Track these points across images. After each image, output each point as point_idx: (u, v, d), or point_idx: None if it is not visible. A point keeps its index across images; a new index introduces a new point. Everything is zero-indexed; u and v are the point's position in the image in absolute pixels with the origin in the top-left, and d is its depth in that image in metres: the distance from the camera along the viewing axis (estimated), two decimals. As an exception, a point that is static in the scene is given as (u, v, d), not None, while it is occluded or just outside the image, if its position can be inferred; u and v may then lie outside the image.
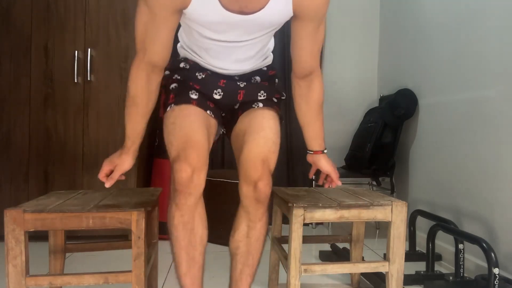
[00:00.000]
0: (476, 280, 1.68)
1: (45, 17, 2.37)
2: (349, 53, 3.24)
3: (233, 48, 1.25)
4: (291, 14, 1.17)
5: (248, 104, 1.36)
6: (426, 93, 2.46)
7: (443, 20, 2.29)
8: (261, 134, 1.25)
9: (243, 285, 1.29)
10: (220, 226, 1.98)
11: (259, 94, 1.35)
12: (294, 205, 1.34)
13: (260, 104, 1.34)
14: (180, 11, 1.12)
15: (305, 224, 2.99)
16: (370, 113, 2.99)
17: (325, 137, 3.59)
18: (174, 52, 1.30)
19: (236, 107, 1.38)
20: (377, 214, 1.39)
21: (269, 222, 1.31)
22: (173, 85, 1.34)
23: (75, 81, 2.38)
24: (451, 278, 1.77)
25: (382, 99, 3.02)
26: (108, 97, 2.41)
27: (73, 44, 2.39)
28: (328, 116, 3.22)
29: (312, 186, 3.01)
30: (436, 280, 1.77)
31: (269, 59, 1.44)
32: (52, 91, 2.39)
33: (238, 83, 1.35)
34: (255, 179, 1.19)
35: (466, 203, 2.04)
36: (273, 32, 1.26)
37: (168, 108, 1.28)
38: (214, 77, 1.33)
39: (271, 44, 1.42)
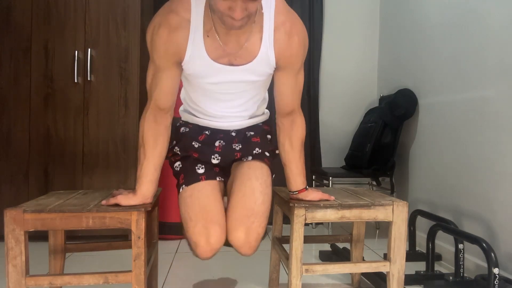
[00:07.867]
0: (476, 280, 1.68)
1: (45, 17, 2.37)
2: (349, 53, 3.24)
3: (226, 93, 1.37)
4: (274, 66, 1.30)
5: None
6: (426, 93, 2.46)
7: (443, 20, 2.29)
8: (247, 184, 1.33)
9: None
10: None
11: (254, 151, 1.44)
12: (296, 205, 1.34)
13: (250, 157, 1.43)
14: (179, 64, 1.29)
15: (305, 224, 3.01)
16: (370, 113, 2.99)
17: (326, 137, 3.58)
18: (175, 122, 1.47)
19: None
20: (378, 214, 1.39)
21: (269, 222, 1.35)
22: (176, 164, 1.45)
23: (75, 81, 2.38)
24: (451, 278, 1.77)
25: (382, 99, 3.02)
26: (108, 97, 2.41)
27: (73, 44, 2.39)
28: (328, 116, 3.23)
29: (312, 186, 3.01)
30: (436, 280, 1.77)
31: (266, 116, 1.58)
32: (52, 91, 2.39)
33: (234, 146, 1.45)
34: (237, 246, 1.31)
35: (466, 203, 2.04)
36: (259, 85, 1.38)
37: (181, 189, 1.38)
38: (210, 144, 1.44)
39: (265, 100, 1.54)
